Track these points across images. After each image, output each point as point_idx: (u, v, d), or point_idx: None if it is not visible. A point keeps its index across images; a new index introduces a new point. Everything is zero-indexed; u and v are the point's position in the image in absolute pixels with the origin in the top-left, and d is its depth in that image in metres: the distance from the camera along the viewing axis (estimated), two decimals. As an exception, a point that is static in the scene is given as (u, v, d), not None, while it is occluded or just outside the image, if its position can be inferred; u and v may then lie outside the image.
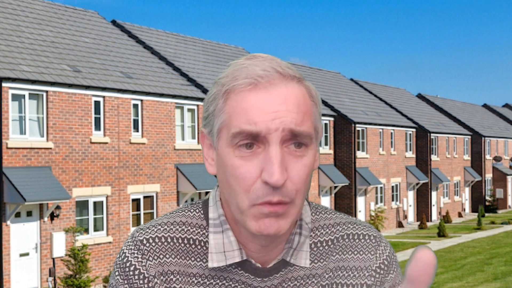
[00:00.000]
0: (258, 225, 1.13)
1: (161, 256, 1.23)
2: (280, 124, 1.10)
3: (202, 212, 1.28)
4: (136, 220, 22.52)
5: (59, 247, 19.13)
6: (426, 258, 0.82)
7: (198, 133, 25.17)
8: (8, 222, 18.28)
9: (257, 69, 1.14)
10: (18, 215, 18.63)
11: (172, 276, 1.23)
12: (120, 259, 1.23)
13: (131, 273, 1.22)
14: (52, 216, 19.39)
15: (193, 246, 1.25)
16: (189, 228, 1.26)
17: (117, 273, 1.23)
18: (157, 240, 1.24)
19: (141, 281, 1.21)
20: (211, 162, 1.22)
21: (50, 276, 18.89)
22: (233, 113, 1.13)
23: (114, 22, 29.00)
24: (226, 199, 1.20)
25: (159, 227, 1.25)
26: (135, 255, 1.22)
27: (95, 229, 21.09)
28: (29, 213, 18.94)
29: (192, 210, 1.29)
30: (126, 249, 1.24)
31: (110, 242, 21.26)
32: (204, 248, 1.25)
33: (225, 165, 1.15)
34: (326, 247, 1.28)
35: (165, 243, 1.24)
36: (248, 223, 1.14)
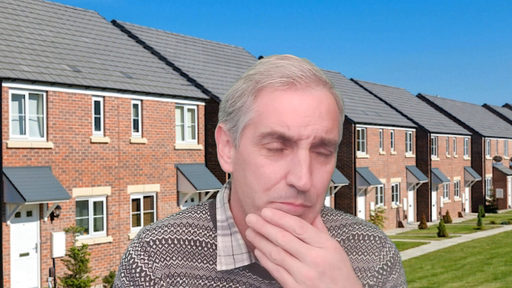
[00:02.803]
0: None
1: (168, 258, 1.22)
2: (312, 131, 1.08)
3: (209, 213, 1.27)
4: (136, 220, 22.52)
5: (59, 247, 19.13)
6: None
7: (198, 133, 25.16)
8: (8, 222, 18.28)
9: (295, 70, 1.11)
10: (18, 215, 18.63)
11: (178, 279, 1.22)
12: (126, 260, 1.23)
13: (137, 275, 1.21)
14: (52, 216, 19.39)
15: (200, 248, 1.24)
16: (196, 230, 1.25)
17: (122, 275, 1.22)
18: (163, 241, 1.23)
19: (147, 283, 1.20)
20: (227, 159, 1.19)
21: (50, 276, 18.89)
22: (264, 112, 1.10)
23: (114, 22, 29.00)
24: (240, 198, 1.17)
25: (166, 228, 1.25)
26: (142, 256, 1.22)
27: (95, 229, 21.09)
28: (29, 213, 18.94)
29: (198, 212, 1.28)
30: (132, 251, 1.23)
31: (110, 242, 21.27)
32: (211, 250, 1.24)
33: (246, 163, 1.12)
34: None
35: (172, 245, 1.23)
36: None
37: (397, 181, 39.90)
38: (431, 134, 43.92)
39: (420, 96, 55.07)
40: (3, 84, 18.33)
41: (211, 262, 1.23)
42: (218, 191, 1.33)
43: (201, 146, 25.17)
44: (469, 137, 51.96)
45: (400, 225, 39.69)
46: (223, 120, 1.19)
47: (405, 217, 40.93)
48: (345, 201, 34.28)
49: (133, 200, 22.42)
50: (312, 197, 1.11)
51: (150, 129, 23.03)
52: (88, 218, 20.87)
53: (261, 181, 1.10)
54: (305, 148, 1.09)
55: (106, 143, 21.32)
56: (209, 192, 24.44)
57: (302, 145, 1.09)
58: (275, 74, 1.11)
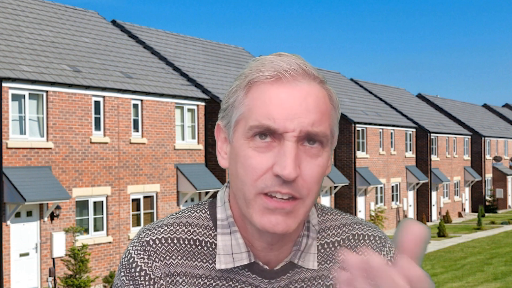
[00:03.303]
0: (263, 221, 1.12)
1: (168, 257, 1.22)
2: (297, 125, 1.10)
3: (208, 213, 1.27)
4: (136, 220, 22.51)
5: (59, 247, 19.13)
6: (418, 233, 0.82)
7: (198, 133, 25.17)
8: (8, 222, 18.28)
9: (282, 64, 1.13)
10: (18, 215, 18.62)
11: (178, 278, 1.22)
12: (126, 260, 1.23)
13: (137, 274, 1.21)
14: (52, 216, 19.39)
15: (200, 247, 1.24)
16: (196, 229, 1.25)
17: (122, 274, 1.22)
18: (163, 241, 1.23)
19: (147, 283, 1.20)
20: (224, 155, 1.21)
21: (50, 276, 18.89)
22: (253, 106, 1.13)
23: (114, 22, 29.00)
24: (234, 193, 1.18)
25: (165, 227, 1.24)
26: (141, 256, 1.22)
27: (95, 229, 21.09)
28: (29, 213, 18.94)
29: (198, 211, 1.28)
30: (132, 250, 1.23)
31: (110, 242, 21.26)
32: (211, 249, 1.24)
33: (238, 156, 1.14)
34: (333, 249, 1.28)
35: (172, 244, 1.23)
36: (254, 217, 1.13)
37: (397, 181, 39.90)
38: (431, 134, 43.91)
39: (420, 96, 55.06)
40: (3, 84, 18.33)
41: (210, 261, 1.23)
42: (218, 191, 1.31)
43: (201, 146, 25.17)
44: (469, 137, 51.96)
45: (400, 225, 39.66)
46: (220, 118, 1.22)
47: (405, 217, 40.89)
48: (345, 201, 34.28)
49: (133, 200, 22.42)
50: (301, 189, 1.11)
51: (150, 129, 23.03)
52: (88, 218, 20.87)
53: (248, 172, 1.12)
54: (291, 140, 1.10)
55: (106, 143, 21.31)
56: (209, 192, 24.44)
57: (288, 137, 1.10)
58: (263, 69, 1.14)
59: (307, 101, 1.11)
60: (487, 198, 52.46)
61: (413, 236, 0.82)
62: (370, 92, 45.07)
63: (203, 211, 1.28)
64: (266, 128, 1.11)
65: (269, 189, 1.10)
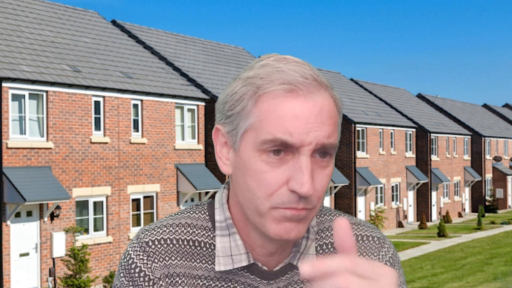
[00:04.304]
0: (278, 229, 1.11)
1: (167, 258, 1.22)
2: (314, 138, 1.08)
3: (207, 213, 1.27)
4: (136, 220, 22.52)
5: (59, 247, 19.13)
6: (341, 224, 0.84)
7: (198, 133, 25.17)
8: (8, 222, 18.28)
9: (295, 74, 1.10)
10: (18, 215, 18.63)
11: (177, 278, 1.22)
12: (125, 261, 1.23)
13: (136, 274, 1.21)
14: (52, 216, 19.39)
15: (199, 248, 1.24)
16: (195, 230, 1.25)
17: (122, 275, 1.22)
18: (162, 242, 1.23)
19: (146, 283, 1.20)
20: (226, 161, 1.18)
21: (50, 276, 18.90)
22: (266, 118, 1.10)
23: (114, 22, 29.00)
24: (241, 202, 1.17)
25: (165, 228, 1.24)
26: (141, 256, 1.22)
27: (95, 229, 21.09)
28: (29, 213, 18.95)
29: (197, 212, 1.27)
30: (132, 251, 1.23)
31: (110, 242, 21.27)
32: (210, 250, 1.24)
33: (247, 168, 1.12)
34: (332, 249, 1.28)
35: (171, 245, 1.23)
36: (268, 226, 1.12)
37: (397, 181, 39.90)
38: (431, 134, 43.91)
39: (420, 96, 55.06)
40: (3, 84, 18.33)
41: (209, 262, 1.23)
42: (218, 191, 1.30)
43: (201, 146, 25.17)
44: (469, 137, 51.96)
45: (400, 225, 39.68)
46: (221, 122, 1.18)
47: (405, 217, 40.92)
48: (345, 201, 34.28)
49: (133, 200, 22.42)
50: (313, 200, 1.11)
51: (150, 129, 23.03)
52: (88, 218, 20.88)
53: (262, 187, 1.10)
54: (306, 154, 1.08)
55: (106, 143, 21.32)
56: (209, 192, 24.44)
57: (303, 151, 1.09)
58: (276, 80, 1.10)
59: (321, 114, 1.10)
60: (487, 198, 52.47)
61: (341, 230, 0.84)
62: (370, 92, 45.06)
63: (202, 212, 1.27)
64: (282, 142, 1.08)
65: (285, 205, 1.09)
